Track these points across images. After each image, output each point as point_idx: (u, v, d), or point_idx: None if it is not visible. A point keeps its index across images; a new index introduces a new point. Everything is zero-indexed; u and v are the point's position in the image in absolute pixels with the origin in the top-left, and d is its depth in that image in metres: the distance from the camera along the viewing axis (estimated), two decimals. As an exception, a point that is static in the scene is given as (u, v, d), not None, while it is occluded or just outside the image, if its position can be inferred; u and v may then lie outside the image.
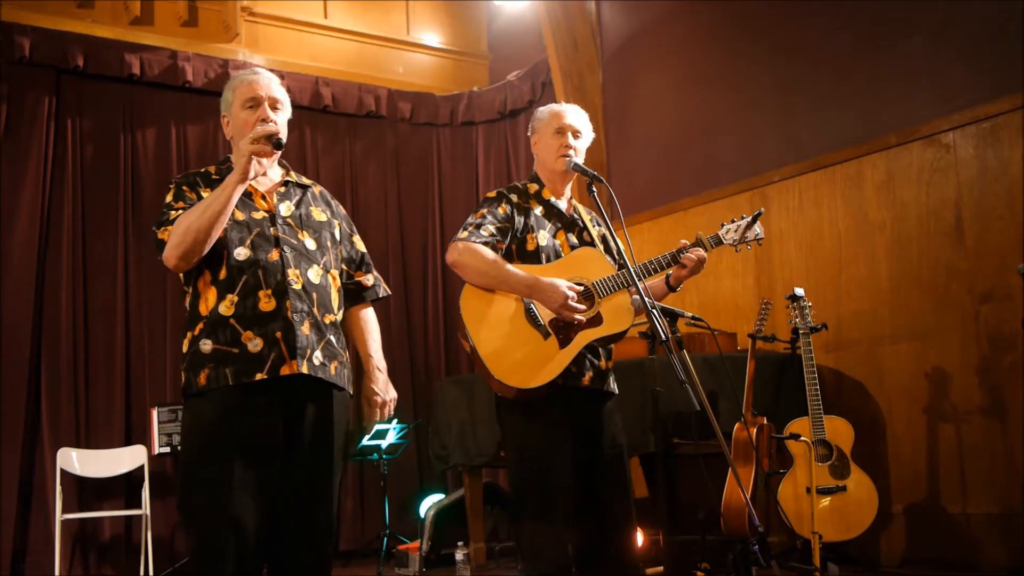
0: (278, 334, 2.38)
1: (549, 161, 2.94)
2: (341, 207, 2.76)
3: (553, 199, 2.94)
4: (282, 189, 2.59)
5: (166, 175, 6.12)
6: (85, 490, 5.60)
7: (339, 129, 6.90)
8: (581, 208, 2.98)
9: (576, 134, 2.93)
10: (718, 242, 2.90)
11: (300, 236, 2.52)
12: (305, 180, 2.69)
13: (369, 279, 2.74)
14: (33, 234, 5.61)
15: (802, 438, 4.00)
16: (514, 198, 2.90)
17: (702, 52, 5.77)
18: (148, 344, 5.91)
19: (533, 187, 2.97)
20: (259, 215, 2.49)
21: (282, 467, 2.40)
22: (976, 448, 4.26)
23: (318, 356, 2.44)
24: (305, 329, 2.42)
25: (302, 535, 2.45)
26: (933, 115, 4.47)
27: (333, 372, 2.49)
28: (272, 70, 6.79)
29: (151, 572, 5.36)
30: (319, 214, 2.63)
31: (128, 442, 5.70)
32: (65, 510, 5.31)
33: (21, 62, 5.67)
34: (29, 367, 5.51)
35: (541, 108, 3.02)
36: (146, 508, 5.42)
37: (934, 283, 4.45)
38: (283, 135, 2.47)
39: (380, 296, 2.76)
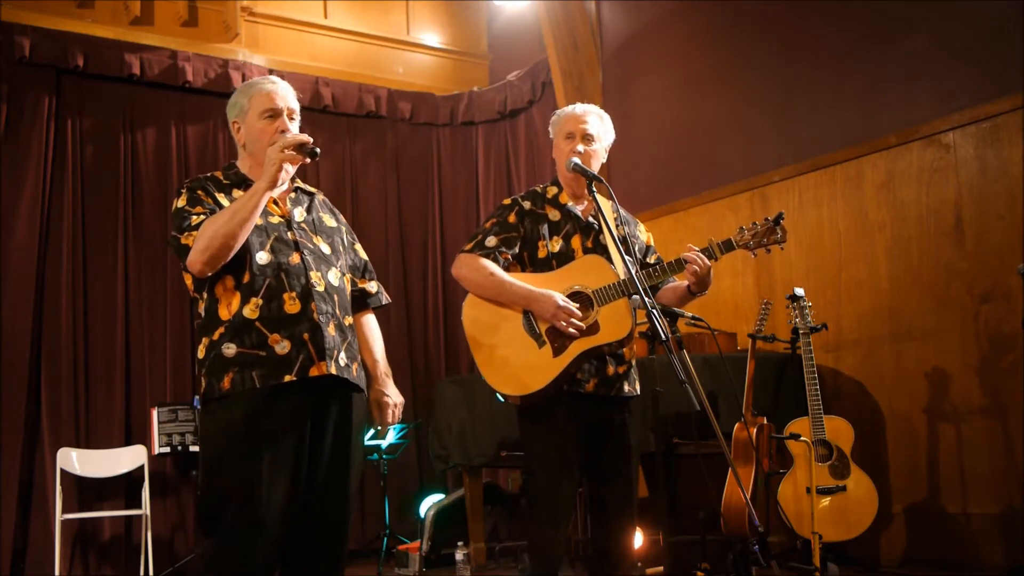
0: (305, 336, 2.39)
1: (560, 166, 2.93)
2: (342, 215, 2.78)
3: (570, 204, 2.93)
4: (293, 195, 2.61)
5: (166, 175, 6.13)
6: (85, 490, 5.59)
7: (339, 129, 6.90)
8: (607, 208, 2.88)
9: (588, 138, 2.89)
10: (729, 247, 2.82)
11: (315, 240, 2.55)
12: (310, 188, 2.72)
13: (373, 286, 2.76)
14: (33, 234, 5.61)
15: (802, 438, 4.00)
16: (527, 205, 2.91)
17: (702, 52, 5.77)
18: (148, 344, 5.91)
19: (552, 191, 2.96)
20: (275, 220, 2.51)
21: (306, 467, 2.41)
22: (976, 448, 4.26)
23: (343, 357, 2.46)
24: (331, 330, 2.44)
25: (320, 535, 2.46)
26: (933, 115, 4.47)
27: (355, 373, 2.52)
28: (272, 70, 6.82)
29: (151, 572, 5.36)
30: (329, 220, 2.67)
31: (128, 442, 5.70)
32: (65, 510, 5.31)
33: (21, 62, 5.67)
34: (29, 367, 5.51)
35: (558, 111, 3.01)
36: (146, 508, 5.41)
37: (934, 283, 4.45)
38: (311, 139, 2.48)
39: (383, 303, 2.80)
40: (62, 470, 5.37)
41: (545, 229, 2.87)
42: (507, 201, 2.95)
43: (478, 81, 7.48)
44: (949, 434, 4.36)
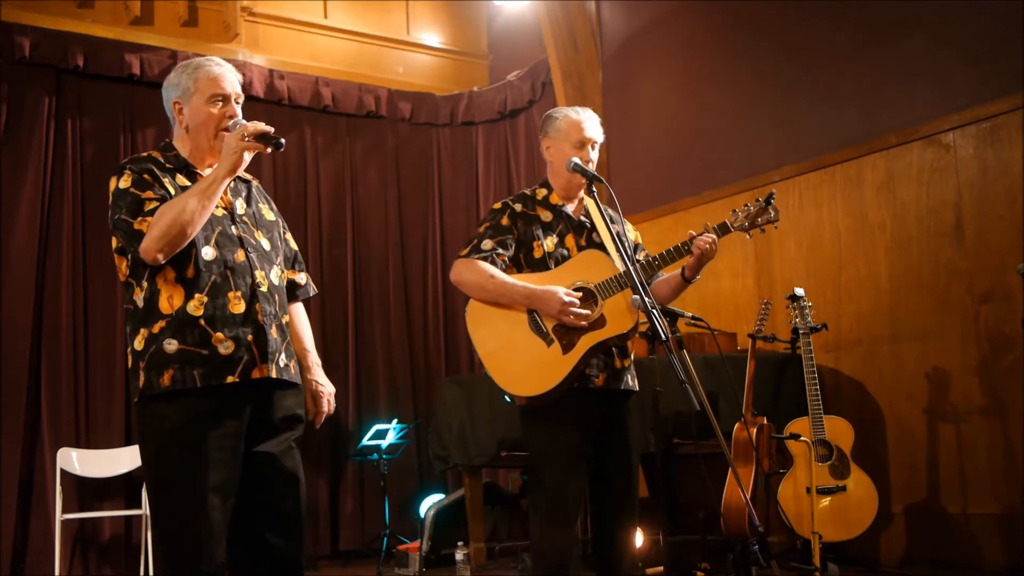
0: (250, 337, 2.37)
1: (565, 174, 2.92)
2: (273, 203, 2.73)
3: (562, 204, 2.94)
4: (232, 184, 2.54)
5: (166, 175, 6.12)
6: (85, 490, 5.59)
7: (339, 129, 6.89)
8: (593, 208, 2.92)
9: (594, 145, 2.92)
10: (725, 230, 2.87)
11: (257, 236, 2.51)
12: (246, 175, 2.64)
13: (302, 278, 2.73)
14: (33, 234, 5.60)
15: (802, 438, 4.00)
16: (518, 208, 2.91)
17: (702, 52, 5.77)
18: (148, 344, 5.89)
19: (542, 192, 2.96)
20: (219, 212, 2.45)
21: (254, 468, 2.40)
22: (976, 448, 4.26)
23: (283, 358, 2.45)
24: (274, 332, 2.43)
25: (277, 534, 2.44)
26: (933, 115, 4.47)
27: (293, 372, 2.51)
28: (272, 70, 6.79)
29: (151, 572, 5.35)
30: (267, 212, 2.63)
31: (128, 442, 5.69)
32: (65, 510, 5.31)
33: (21, 62, 5.66)
34: (29, 367, 5.50)
35: (557, 113, 2.99)
36: (146, 508, 5.40)
37: (934, 283, 4.45)
38: (272, 129, 2.43)
39: (310, 295, 2.76)
40: (62, 470, 5.37)
41: (539, 230, 2.87)
42: (497, 205, 2.95)
43: (478, 81, 7.48)
44: (949, 434, 4.35)
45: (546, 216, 2.91)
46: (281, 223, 2.69)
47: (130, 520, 5.63)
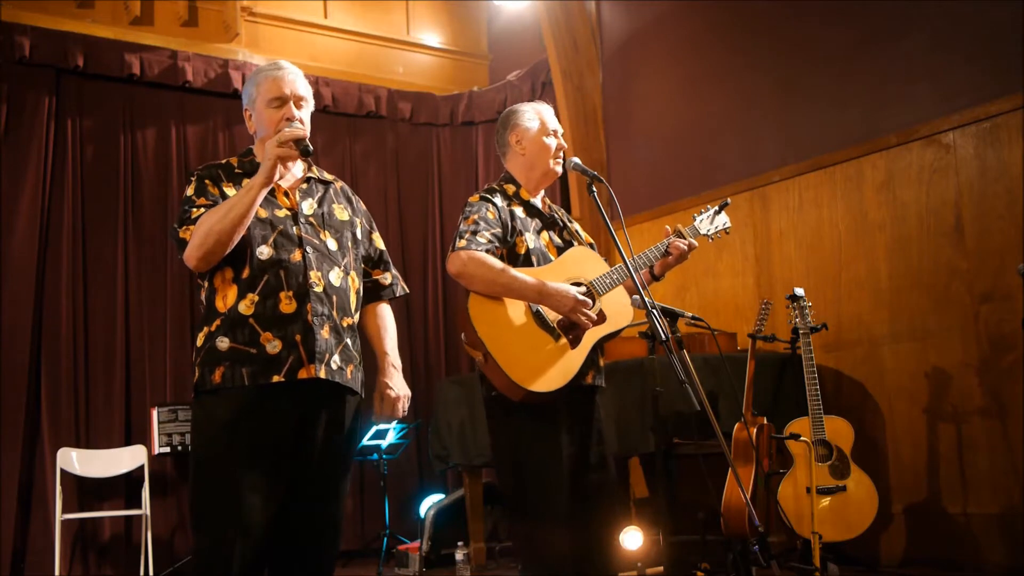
0: (297, 337, 2.37)
1: (542, 164, 2.89)
2: (362, 203, 2.74)
3: (531, 199, 2.92)
4: (304, 186, 2.55)
5: (166, 175, 6.13)
6: (85, 490, 5.59)
7: (339, 129, 6.90)
8: (554, 205, 2.98)
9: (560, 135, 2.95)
10: (696, 233, 2.93)
11: (322, 236, 2.50)
12: (327, 176, 2.66)
13: (387, 278, 2.73)
14: (33, 234, 5.61)
15: (802, 438, 4.00)
16: (498, 201, 2.84)
17: (702, 52, 5.77)
18: (148, 344, 5.91)
19: (511, 188, 2.91)
20: (282, 213, 2.46)
21: (293, 468, 2.39)
22: (976, 448, 4.26)
23: (336, 360, 2.43)
24: (325, 333, 2.41)
25: (309, 538, 2.44)
26: (933, 115, 4.47)
27: (349, 376, 2.48)
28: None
29: (151, 572, 5.36)
30: (341, 212, 2.61)
31: (128, 442, 5.70)
32: (65, 510, 5.31)
33: (21, 62, 5.66)
34: (29, 367, 5.51)
35: (522, 108, 2.95)
36: (146, 508, 5.42)
37: (934, 283, 4.45)
38: (307, 134, 2.45)
39: (397, 295, 2.76)
40: (62, 470, 5.37)
41: (520, 225, 2.85)
42: (475, 198, 2.86)
43: (478, 81, 7.48)
44: (949, 434, 4.36)
45: (520, 212, 2.87)
46: (363, 220, 2.68)
47: (130, 520, 5.63)
